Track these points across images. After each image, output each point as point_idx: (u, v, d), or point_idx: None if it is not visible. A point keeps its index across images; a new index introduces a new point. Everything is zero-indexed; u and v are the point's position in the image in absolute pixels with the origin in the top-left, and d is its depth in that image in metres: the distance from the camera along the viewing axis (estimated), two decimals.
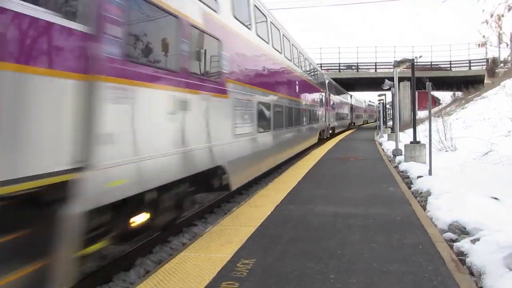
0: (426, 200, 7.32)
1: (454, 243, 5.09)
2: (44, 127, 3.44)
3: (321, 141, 23.97)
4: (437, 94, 40.57)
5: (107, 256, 5.70)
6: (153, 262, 5.88)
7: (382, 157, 15.86)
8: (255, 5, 10.00)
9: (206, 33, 6.58)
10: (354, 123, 52.87)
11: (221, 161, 7.17)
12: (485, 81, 33.81)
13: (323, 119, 24.25)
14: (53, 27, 3.49)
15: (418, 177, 9.53)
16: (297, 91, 15.75)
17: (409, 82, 30.66)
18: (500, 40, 11.00)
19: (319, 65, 33.38)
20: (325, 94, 25.34)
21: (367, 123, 71.84)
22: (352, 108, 48.98)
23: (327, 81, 26.90)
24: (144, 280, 4.18)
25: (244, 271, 4.28)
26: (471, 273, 4.26)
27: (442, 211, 6.25)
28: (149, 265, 5.76)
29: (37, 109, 3.36)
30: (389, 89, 21.72)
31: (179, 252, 5.00)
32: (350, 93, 47.56)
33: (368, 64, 40.50)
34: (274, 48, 11.93)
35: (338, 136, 31.19)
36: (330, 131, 28.16)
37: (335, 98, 31.33)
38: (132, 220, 4.90)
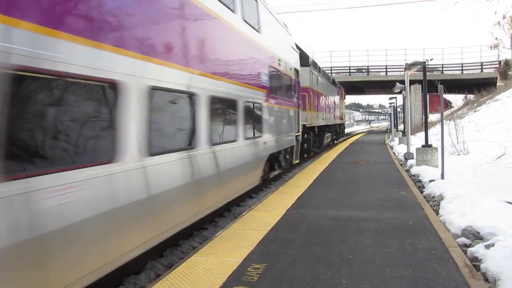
0: (439, 205, 7.23)
1: (468, 248, 5.01)
2: None
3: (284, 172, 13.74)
4: (448, 97, 40.31)
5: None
6: (164, 266, 5.87)
7: (393, 161, 15.73)
8: None
9: None
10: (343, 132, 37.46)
11: None
12: (498, 83, 33.47)
13: (289, 126, 12.72)
14: None
15: (430, 181, 9.43)
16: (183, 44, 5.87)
17: (420, 85, 30.57)
18: None
19: (329, 69, 32.50)
20: (295, 77, 13.69)
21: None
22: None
23: (298, 54, 14.69)
24: (155, 283, 4.18)
25: (255, 276, 4.25)
26: (486, 279, 4.18)
27: (455, 215, 6.16)
28: (159, 269, 5.76)
29: None
30: (400, 92, 21.57)
31: (189, 256, 5.00)
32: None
33: (379, 67, 40.35)
34: None
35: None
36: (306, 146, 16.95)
37: (320, 88, 20.33)
38: None
